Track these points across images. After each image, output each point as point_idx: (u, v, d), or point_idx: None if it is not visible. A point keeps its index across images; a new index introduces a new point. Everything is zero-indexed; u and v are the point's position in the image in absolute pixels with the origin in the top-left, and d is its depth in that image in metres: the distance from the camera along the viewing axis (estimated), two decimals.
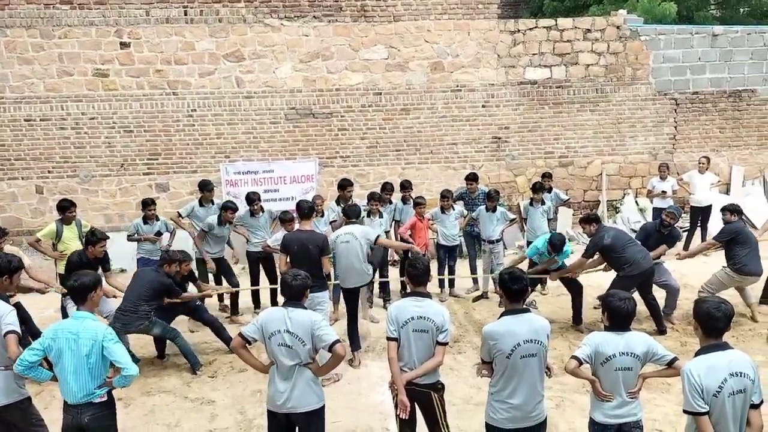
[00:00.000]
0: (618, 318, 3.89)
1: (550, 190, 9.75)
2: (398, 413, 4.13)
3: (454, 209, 8.86)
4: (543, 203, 9.09)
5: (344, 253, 6.53)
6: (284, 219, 7.86)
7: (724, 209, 7.55)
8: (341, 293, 7.14)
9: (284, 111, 11.27)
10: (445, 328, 4.15)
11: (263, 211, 8.41)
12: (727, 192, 12.26)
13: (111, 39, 10.67)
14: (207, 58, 10.93)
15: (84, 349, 3.84)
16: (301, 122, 11.33)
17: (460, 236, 9.22)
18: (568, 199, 10.81)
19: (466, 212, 9.06)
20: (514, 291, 3.88)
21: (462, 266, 9.51)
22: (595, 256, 7.22)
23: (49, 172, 10.86)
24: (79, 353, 3.84)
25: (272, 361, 4.10)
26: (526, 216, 9.19)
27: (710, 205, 10.56)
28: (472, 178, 9.38)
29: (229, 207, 7.98)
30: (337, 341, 3.97)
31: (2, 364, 4.15)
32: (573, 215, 12.07)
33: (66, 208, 7.59)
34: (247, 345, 4.12)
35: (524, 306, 3.97)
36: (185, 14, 10.82)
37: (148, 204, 8.30)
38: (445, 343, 4.19)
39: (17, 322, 4.22)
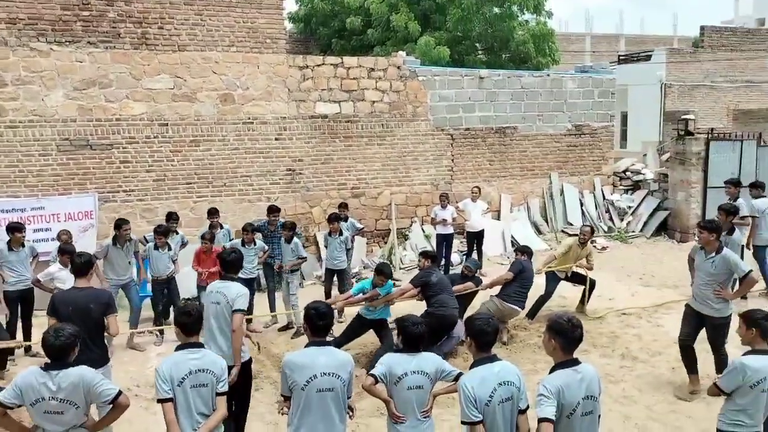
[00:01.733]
0: (411, 340, 4.11)
1: (346, 219, 10.09)
2: None
3: (255, 243, 8.74)
4: (341, 233, 9.34)
5: (209, 315, 5.10)
6: (65, 250, 7.20)
7: (516, 250, 8.67)
8: None
9: (56, 142, 10.25)
10: (224, 377, 3.96)
11: (23, 246, 7.62)
12: (498, 218, 13.65)
13: None
14: None
15: None
16: (76, 154, 10.39)
17: (258, 269, 9.12)
18: (363, 228, 11.23)
19: (266, 247, 9.00)
20: (319, 327, 3.89)
21: (261, 299, 9.37)
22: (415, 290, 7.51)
23: None
24: None
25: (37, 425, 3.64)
26: (326, 245, 9.40)
27: (483, 230, 11.66)
28: (274, 210, 9.36)
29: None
30: (120, 393, 3.65)
31: None
32: (366, 244, 12.56)
33: None
34: (6, 411, 3.62)
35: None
36: None
37: None
38: (225, 393, 3.99)
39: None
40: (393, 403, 4.05)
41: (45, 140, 10.19)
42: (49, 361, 3.67)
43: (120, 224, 8.18)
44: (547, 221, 14.16)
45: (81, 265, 5.24)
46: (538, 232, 13.90)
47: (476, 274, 8.52)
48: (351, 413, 4.08)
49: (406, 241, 12.86)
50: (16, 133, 10.01)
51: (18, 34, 9.94)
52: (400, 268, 12.04)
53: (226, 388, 3.99)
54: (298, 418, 3.80)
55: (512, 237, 13.21)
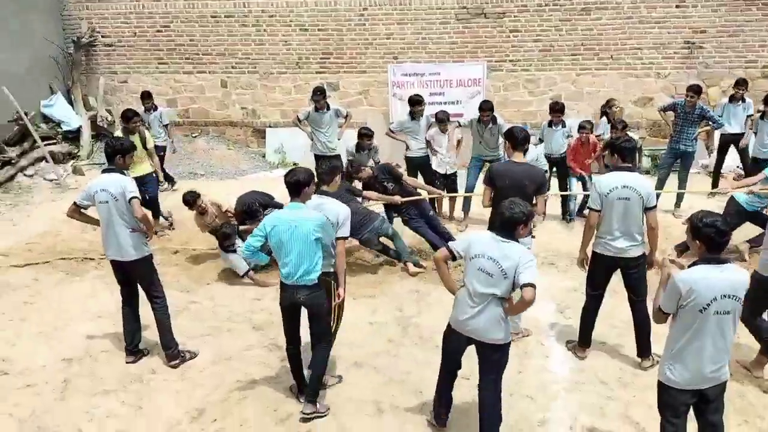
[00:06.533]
0: None
1: (743, 99, 8.73)
2: None
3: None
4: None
5: (620, 210, 4.72)
6: (442, 119, 7.90)
7: None
8: None
9: (455, 10, 10.86)
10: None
11: (422, 116, 8.26)
12: None
13: None
14: None
15: (302, 235, 4.19)
16: (471, 22, 10.89)
17: None
18: None
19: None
20: (720, 244, 3.41)
21: None
22: None
23: (232, 67, 11.56)
24: (298, 238, 4.19)
25: (462, 285, 3.97)
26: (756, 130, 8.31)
27: None
28: (696, 90, 8.11)
29: (364, 134, 7.87)
30: (531, 284, 3.66)
31: (131, 227, 4.87)
32: None
33: (129, 118, 7.67)
34: (448, 260, 4.03)
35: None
36: None
37: None
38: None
39: (137, 190, 4.94)
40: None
41: (446, 8, 10.87)
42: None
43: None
44: None
45: (520, 139, 5.19)
46: None
47: None
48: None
49: None
50: (422, 1, 10.88)
51: None
52: None
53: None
54: (687, 341, 3.44)
55: None
